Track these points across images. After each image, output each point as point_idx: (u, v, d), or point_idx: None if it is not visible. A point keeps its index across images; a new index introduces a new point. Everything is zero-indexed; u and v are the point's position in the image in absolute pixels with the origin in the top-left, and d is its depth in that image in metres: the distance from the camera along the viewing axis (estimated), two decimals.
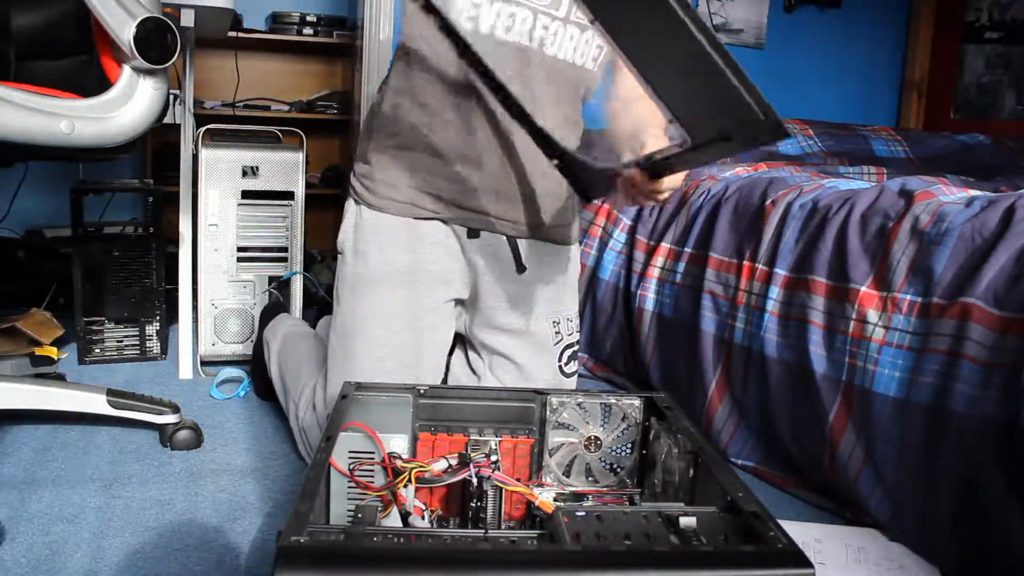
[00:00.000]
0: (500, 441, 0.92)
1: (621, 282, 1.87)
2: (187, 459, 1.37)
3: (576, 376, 1.37)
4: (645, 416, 0.97)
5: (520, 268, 1.29)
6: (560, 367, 1.33)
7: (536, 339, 1.31)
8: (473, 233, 1.27)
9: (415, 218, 1.24)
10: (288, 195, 1.89)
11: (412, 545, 0.63)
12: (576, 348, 1.35)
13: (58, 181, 2.55)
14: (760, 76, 3.16)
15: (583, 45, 1.22)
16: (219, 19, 1.71)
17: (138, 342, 1.92)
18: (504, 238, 1.28)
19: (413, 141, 1.22)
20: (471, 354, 1.37)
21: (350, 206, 1.29)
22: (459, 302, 1.33)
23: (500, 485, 0.83)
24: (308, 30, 3.01)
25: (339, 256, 1.31)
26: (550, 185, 1.27)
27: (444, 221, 1.26)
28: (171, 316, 1.96)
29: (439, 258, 1.26)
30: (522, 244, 1.30)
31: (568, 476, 0.95)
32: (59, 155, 1.31)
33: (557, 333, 1.32)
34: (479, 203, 1.24)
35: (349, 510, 0.83)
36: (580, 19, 1.20)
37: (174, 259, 1.85)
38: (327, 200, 3.06)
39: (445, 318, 1.29)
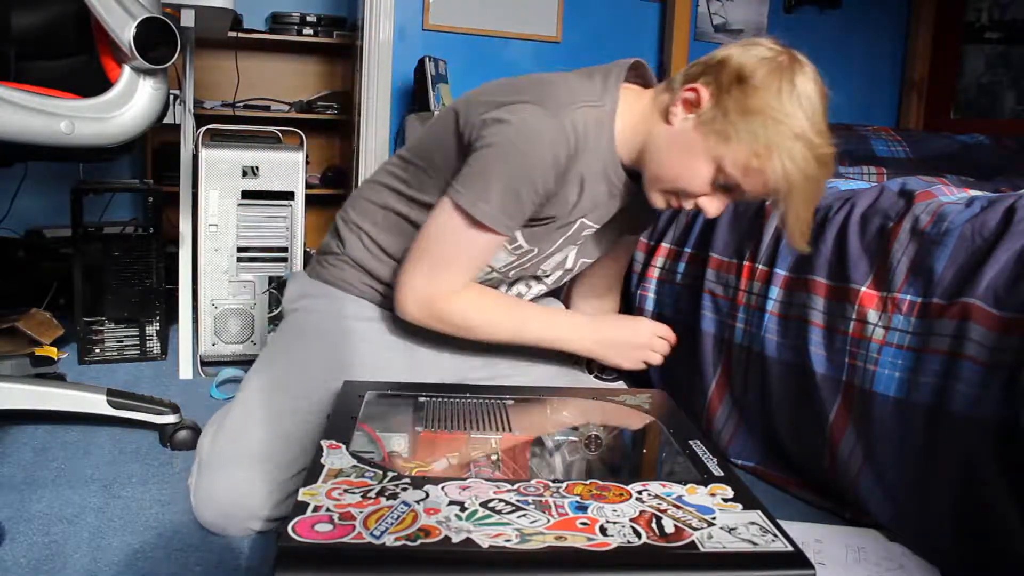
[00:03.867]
0: (500, 439, 0.92)
1: None
2: (187, 459, 1.36)
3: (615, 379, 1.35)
4: (645, 415, 0.97)
5: None
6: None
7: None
8: None
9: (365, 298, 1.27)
10: (288, 195, 1.89)
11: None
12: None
13: (58, 181, 2.55)
14: None
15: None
16: (219, 19, 1.71)
17: (138, 342, 1.92)
18: None
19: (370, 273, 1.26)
20: None
21: (298, 277, 1.33)
22: None
23: None
24: (308, 30, 3.01)
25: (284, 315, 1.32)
26: None
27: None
28: (171, 316, 1.96)
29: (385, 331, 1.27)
30: None
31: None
32: (59, 155, 1.31)
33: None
34: None
35: None
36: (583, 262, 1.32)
37: (174, 259, 1.85)
38: (327, 200, 3.07)
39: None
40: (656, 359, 1.24)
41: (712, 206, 1.08)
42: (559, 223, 1.17)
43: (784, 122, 0.98)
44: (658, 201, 1.12)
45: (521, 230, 1.15)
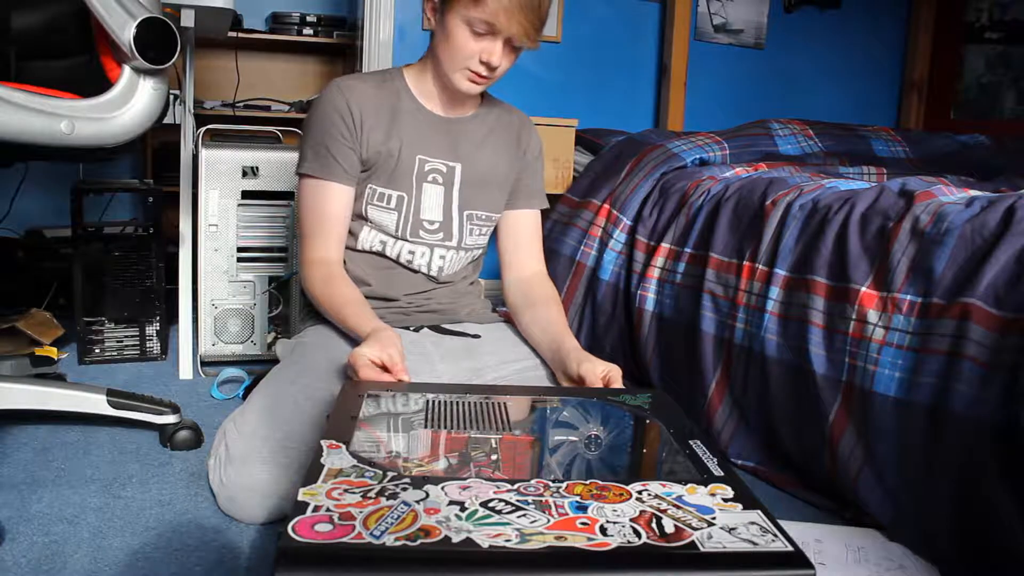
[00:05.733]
0: (501, 439, 0.92)
1: (621, 282, 1.87)
2: (187, 459, 1.37)
3: None
4: (645, 415, 0.97)
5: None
6: None
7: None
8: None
9: None
10: (288, 195, 1.89)
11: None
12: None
13: (58, 181, 2.56)
14: (760, 76, 3.17)
15: (474, 251, 1.48)
16: (219, 19, 1.71)
17: (138, 342, 1.92)
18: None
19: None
20: None
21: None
22: None
23: None
24: (308, 30, 3.01)
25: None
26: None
27: None
28: (171, 316, 1.96)
29: None
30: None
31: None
32: (59, 155, 1.32)
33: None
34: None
35: None
36: (470, 245, 1.45)
37: (174, 259, 1.85)
38: None
39: None
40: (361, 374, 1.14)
41: (492, 55, 1.26)
42: (396, 162, 1.36)
43: None
44: (462, 83, 1.31)
45: (373, 180, 1.36)
